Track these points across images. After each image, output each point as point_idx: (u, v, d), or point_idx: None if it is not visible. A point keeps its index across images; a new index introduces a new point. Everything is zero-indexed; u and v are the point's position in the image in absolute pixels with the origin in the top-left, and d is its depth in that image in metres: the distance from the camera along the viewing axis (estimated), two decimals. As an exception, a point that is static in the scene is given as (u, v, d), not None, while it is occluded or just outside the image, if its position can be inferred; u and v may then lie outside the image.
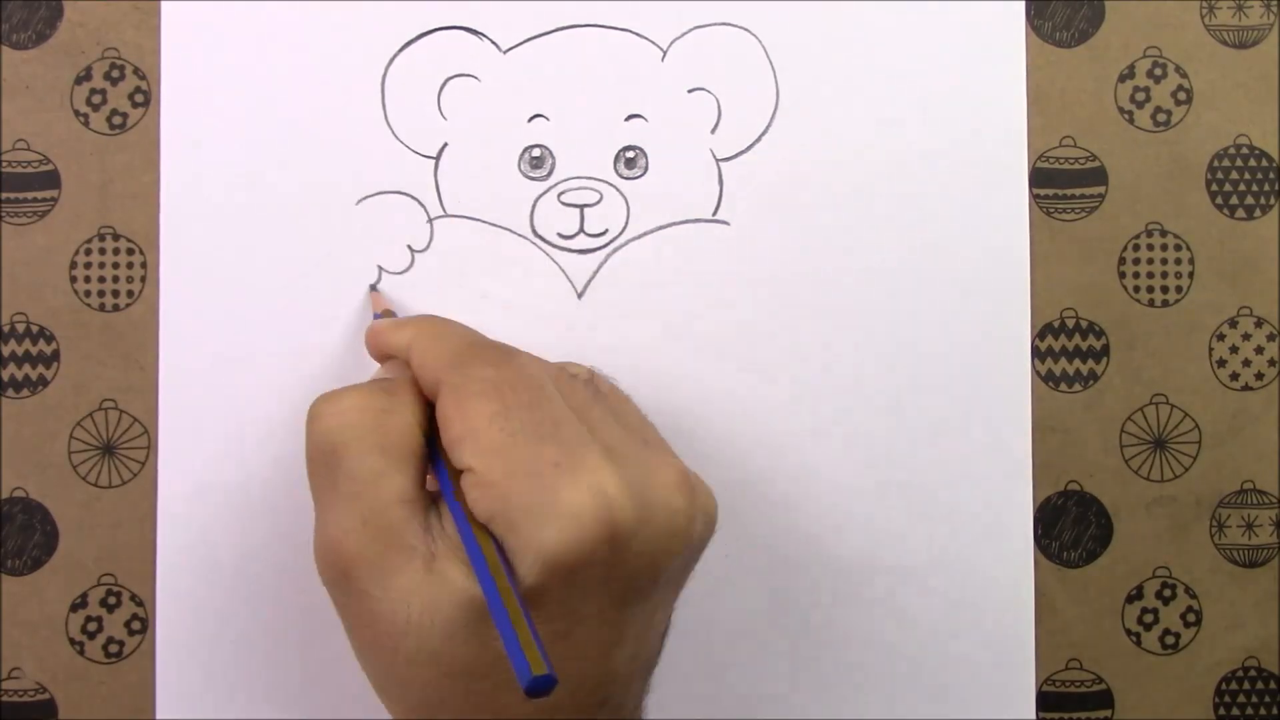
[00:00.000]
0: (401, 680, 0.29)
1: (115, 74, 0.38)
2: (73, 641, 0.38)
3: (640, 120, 0.38)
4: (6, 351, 0.38)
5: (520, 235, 0.38)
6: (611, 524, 0.27)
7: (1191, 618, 0.39)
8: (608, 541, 0.27)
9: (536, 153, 0.38)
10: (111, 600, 0.38)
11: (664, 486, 0.29)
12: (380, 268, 0.38)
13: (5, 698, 0.38)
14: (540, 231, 0.38)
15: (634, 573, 0.28)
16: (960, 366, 0.38)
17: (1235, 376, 0.39)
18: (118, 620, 0.38)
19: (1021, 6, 0.39)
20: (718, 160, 0.38)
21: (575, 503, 0.27)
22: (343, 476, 0.29)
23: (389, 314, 0.36)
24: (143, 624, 0.38)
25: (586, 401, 0.31)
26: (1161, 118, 0.39)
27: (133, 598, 0.38)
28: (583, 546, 0.27)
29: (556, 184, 0.38)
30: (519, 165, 0.38)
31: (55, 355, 0.38)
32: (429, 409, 0.31)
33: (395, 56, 0.38)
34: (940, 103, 0.38)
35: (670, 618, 0.32)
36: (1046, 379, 0.39)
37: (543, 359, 0.33)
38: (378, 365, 0.35)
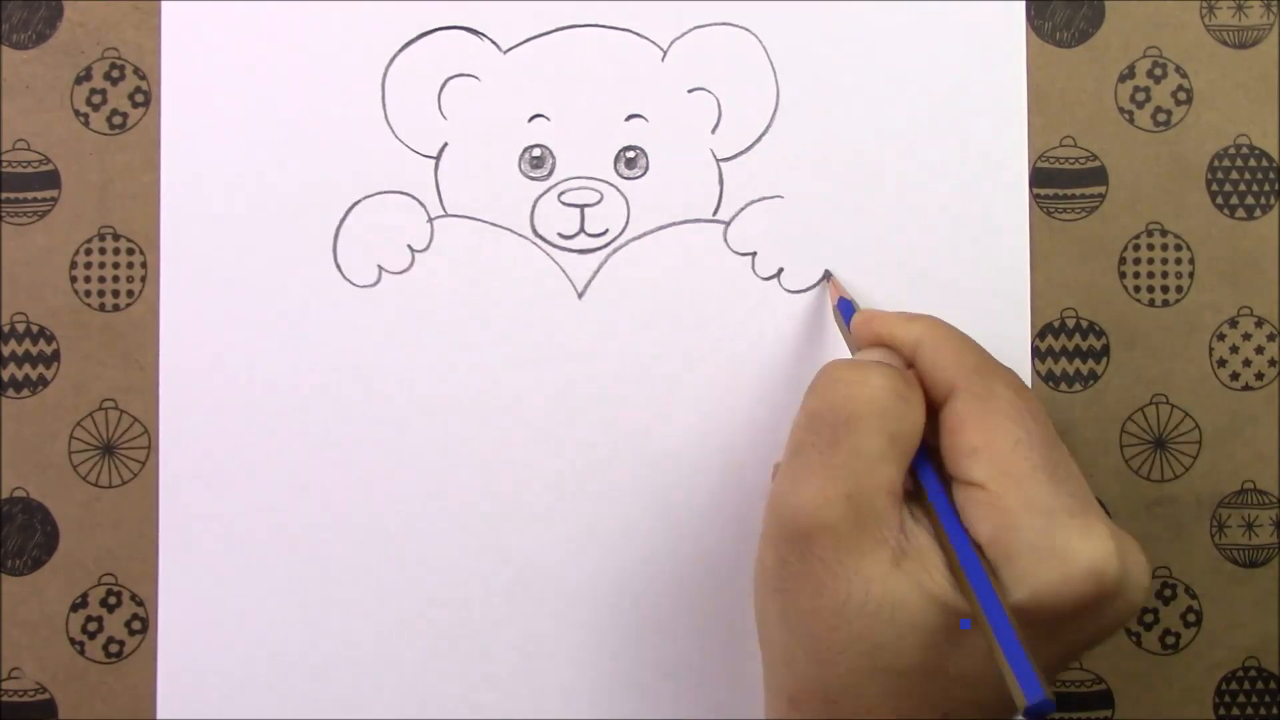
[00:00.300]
0: (821, 657, 0.29)
1: (115, 74, 0.38)
2: (73, 641, 0.38)
3: (640, 120, 0.38)
4: (7, 351, 0.38)
5: (520, 235, 0.38)
6: (1101, 588, 0.28)
7: (1192, 618, 0.39)
8: (1091, 602, 0.28)
9: (537, 153, 0.38)
10: (112, 600, 0.38)
11: (1137, 564, 0.29)
12: (380, 267, 0.38)
13: (5, 698, 0.38)
14: (540, 231, 0.38)
15: (1089, 637, 0.29)
16: (960, 366, 0.38)
17: (1235, 376, 0.39)
18: (118, 620, 0.38)
19: (1021, 6, 0.39)
20: (718, 160, 0.38)
21: (1084, 556, 0.28)
22: (845, 447, 0.29)
23: (852, 301, 0.36)
24: (143, 624, 0.38)
25: (1068, 455, 0.30)
26: (1162, 118, 0.39)
27: (133, 597, 0.38)
28: (1074, 600, 0.28)
29: (557, 184, 0.38)
30: (519, 165, 0.38)
31: (55, 355, 0.38)
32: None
33: (395, 56, 0.38)
34: (940, 103, 0.38)
35: None
36: (1047, 379, 0.39)
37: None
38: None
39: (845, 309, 0.35)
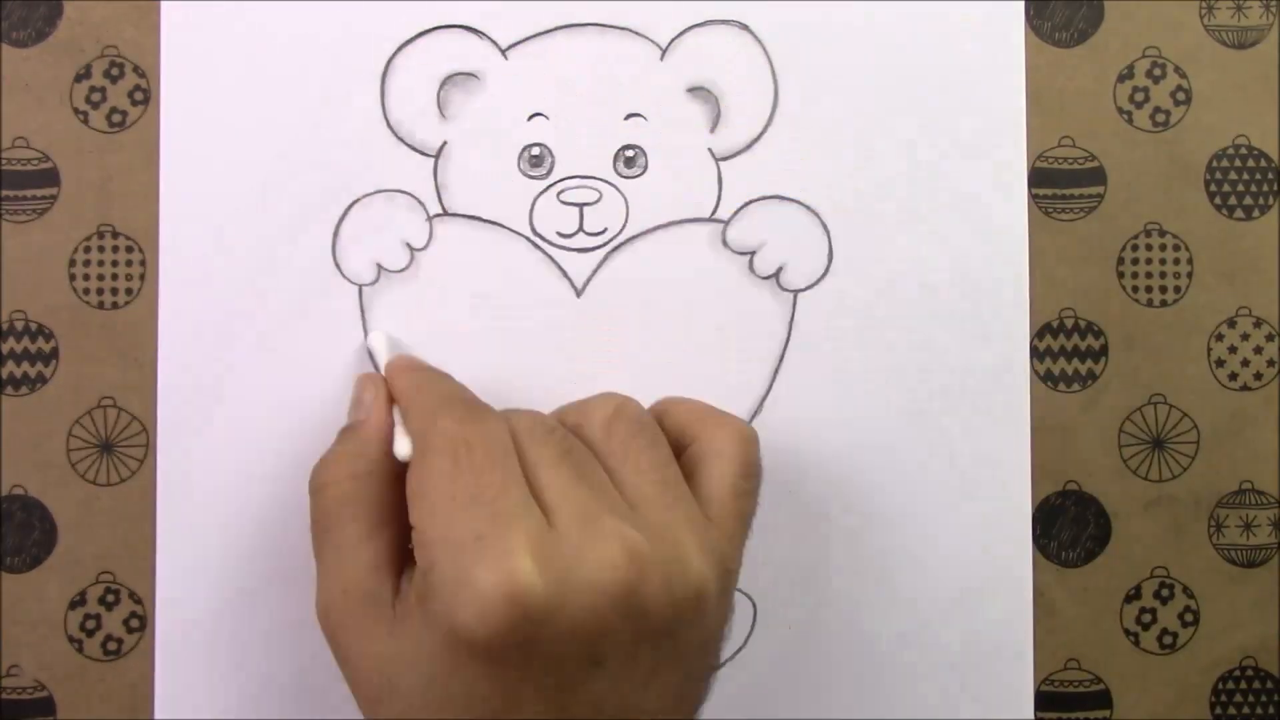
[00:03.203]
0: None
1: (115, 72, 0.38)
2: (71, 639, 0.38)
3: (640, 119, 0.38)
4: (5, 349, 0.38)
5: (519, 234, 0.38)
6: (521, 605, 0.27)
7: (1189, 617, 0.39)
8: (519, 624, 0.27)
9: (536, 151, 0.38)
10: (110, 598, 0.38)
11: (596, 563, 0.28)
12: (380, 266, 0.38)
13: (4, 695, 0.38)
14: (539, 230, 0.38)
15: (563, 655, 0.28)
16: (959, 366, 0.38)
17: (1234, 376, 0.39)
18: (116, 618, 0.38)
19: (1021, 6, 0.39)
20: (717, 159, 0.38)
21: (485, 582, 0.27)
22: (328, 546, 0.32)
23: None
24: (141, 622, 0.38)
25: (552, 459, 0.30)
26: (1160, 118, 0.39)
27: (131, 596, 0.38)
28: (489, 627, 0.27)
29: (556, 183, 0.38)
30: (518, 164, 0.38)
31: (54, 353, 0.38)
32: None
33: (395, 55, 0.38)
34: (940, 102, 0.38)
35: (696, 692, 0.31)
36: (1045, 379, 0.39)
37: (534, 411, 0.33)
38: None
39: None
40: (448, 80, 0.38)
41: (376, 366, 0.36)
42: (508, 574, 0.27)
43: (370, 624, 0.30)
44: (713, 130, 0.38)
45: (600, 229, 0.38)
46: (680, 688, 0.30)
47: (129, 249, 0.38)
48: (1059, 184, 0.39)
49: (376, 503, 0.32)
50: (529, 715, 0.28)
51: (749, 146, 0.38)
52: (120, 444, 0.38)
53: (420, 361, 0.36)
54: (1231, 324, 0.39)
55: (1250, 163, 0.39)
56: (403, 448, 0.31)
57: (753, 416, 0.38)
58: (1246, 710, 0.39)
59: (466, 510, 0.28)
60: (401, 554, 0.31)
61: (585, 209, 0.38)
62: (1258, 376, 0.39)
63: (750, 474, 0.33)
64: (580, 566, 0.28)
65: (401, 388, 0.34)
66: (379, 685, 0.29)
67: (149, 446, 0.38)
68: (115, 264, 0.38)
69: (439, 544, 0.28)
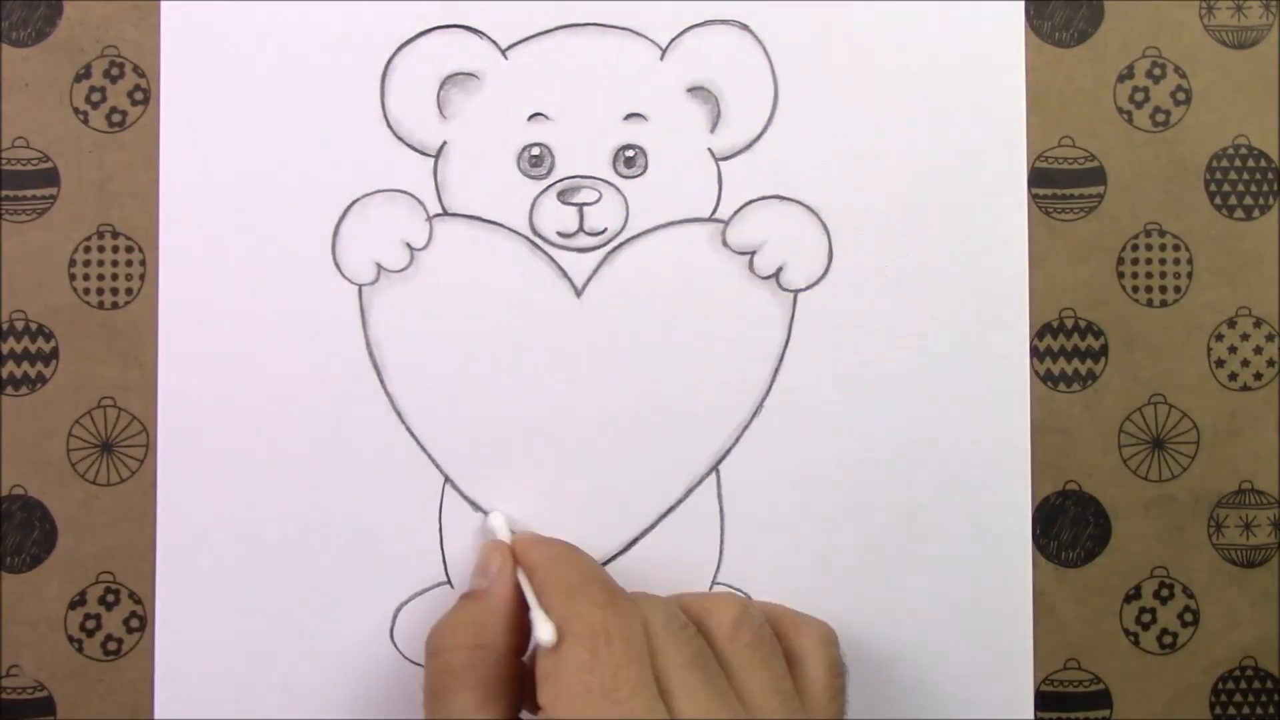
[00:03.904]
0: None
1: (115, 72, 0.38)
2: (71, 639, 0.38)
3: (639, 119, 0.38)
4: (5, 349, 0.38)
5: (519, 234, 0.38)
6: None
7: (1189, 617, 0.39)
8: None
9: (536, 151, 0.38)
10: (110, 598, 0.38)
11: None
12: (380, 266, 0.38)
13: (4, 695, 0.38)
14: (539, 230, 0.38)
15: None
16: (959, 366, 0.38)
17: (1234, 376, 0.39)
18: (116, 618, 0.38)
19: (1021, 6, 0.39)
20: (716, 159, 0.38)
21: None
22: (440, 711, 0.32)
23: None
24: (141, 622, 0.38)
25: (685, 661, 0.31)
26: (1160, 118, 0.39)
27: (131, 595, 0.38)
28: None
29: (556, 183, 0.38)
30: (518, 164, 0.38)
31: (54, 353, 0.38)
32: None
33: (395, 55, 0.38)
34: (939, 102, 0.38)
35: None
36: (1045, 379, 0.39)
37: (666, 602, 0.33)
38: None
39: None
40: (448, 80, 0.38)
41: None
42: None
43: None
44: (713, 130, 0.38)
45: (600, 229, 0.38)
46: None
47: (129, 249, 0.38)
48: (1059, 184, 0.39)
49: (493, 676, 0.32)
50: None
51: (749, 146, 0.38)
52: (120, 444, 0.38)
53: (550, 538, 0.36)
54: (1231, 324, 0.39)
55: (1250, 163, 0.39)
56: (545, 633, 0.31)
57: (752, 416, 0.38)
58: (1246, 710, 0.39)
59: (599, 706, 0.29)
60: None
61: (585, 209, 0.38)
62: (1258, 376, 0.39)
63: (839, 673, 0.34)
64: None
65: (536, 562, 0.34)
66: None
67: (149, 446, 0.38)
68: (115, 264, 0.38)
69: None
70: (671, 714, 0.30)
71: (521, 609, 0.33)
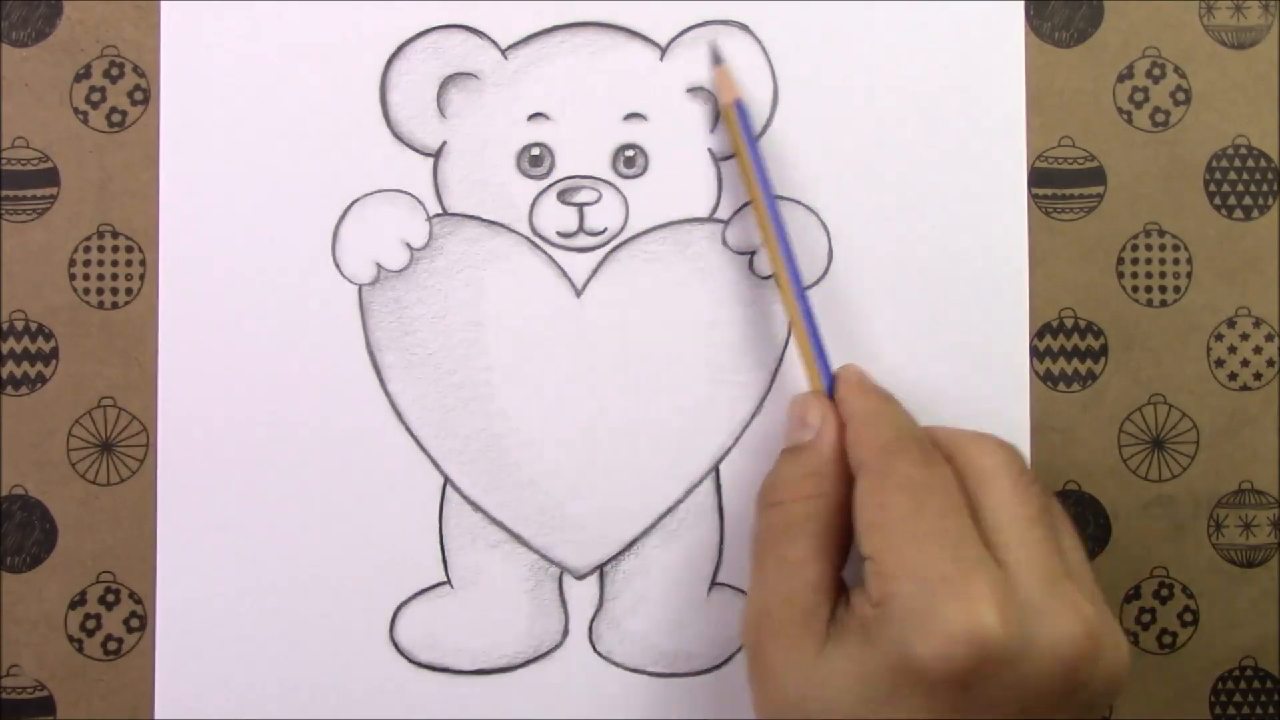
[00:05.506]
0: None
1: (115, 72, 0.38)
2: (71, 639, 0.38)
3: (639, 119, 0.38)
4: (5, 349, 0.38)
5: (519, 234, 0.38)
6: (982, 651, 0.28)
7: (1189, 617, 0.39)
8: (975, 667, 0.28)
9: (536, 151, 0.38)
10: (110, 598, 0.38)
11: (1057, 631, 0.29)
12: (379, 265, 0.38)
13: (4, 695, 0.38)
14: (539, 230, 0.38)
15: (1000, 704, 0.29)
16: (959, 366, 0.38)
17: (1233, 376, 0.39)
18: (116, 618, 0.38)
19: (1021, 6, 0.39)
20: (716, 159, 0.38)
21: (952, 622, 0.28)
22: (772, 559, 0.33)
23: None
24: (141, 622, 0.38)
25: (1030, 517, 0.31)
26: (1160, 118, 0.39)
27: (131, 595, 0.38)
28: (947, 664, 0.28)
29: (556, 183, 0.38)
30: (518, 164, 0.38)
31: (54, 353, 0.38)
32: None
33: (395, 55, 0.38)
34: (939, 102, 0.38)
35: None
36: (1045, 379, 0.39)
37: (1001, 447, 0.33)
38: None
39: (742, 114, 0.36)
40: (448, 80, 0.38)
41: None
42: (975, 618, 0.28)
43: (803, 638, 0.31)
44: (713, 130, 0.38)
45: (600, 229, 0.38)
46: None
47: (129, 249, 0.38)
48: (1059, 184, 0.39)
49: (828, 526, 0.32)
50: None
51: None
52: (120, 444, 0.38)
53: (870, 383, 0.36)
54: (1231, 324, 0.39)
55: (1250, 163, 0.39)
56: None
57: (752, 416, 0.38)
58: (1246, 710, 0.39)
59: (930, 550, 0.30)
60: (838, 579, 0.32)
61: (585, 209, 0.38)
62: (1257, 376, 0.39)
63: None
64: (1042, 628, 0.29)
65: (852, 413, 0.34)
66: (796, 697, 0.30)
67: (149, 446, 0.38)
68: (115, 264, 0.38)
69: (902, 578, 0.29)
70: (1000, 563, 0.30)
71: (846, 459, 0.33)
